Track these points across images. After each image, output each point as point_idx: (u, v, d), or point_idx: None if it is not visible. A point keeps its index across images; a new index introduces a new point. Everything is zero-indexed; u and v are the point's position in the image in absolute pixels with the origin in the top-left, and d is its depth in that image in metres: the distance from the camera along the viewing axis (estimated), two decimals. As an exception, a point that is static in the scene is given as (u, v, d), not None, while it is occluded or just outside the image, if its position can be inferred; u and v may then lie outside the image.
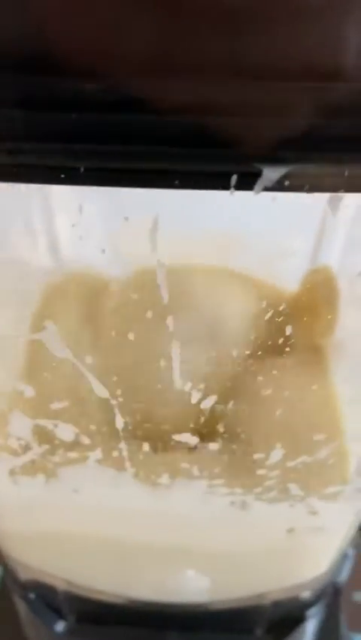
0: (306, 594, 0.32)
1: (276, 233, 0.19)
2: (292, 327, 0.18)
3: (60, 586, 0.32)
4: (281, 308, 0.18)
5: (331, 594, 0.37)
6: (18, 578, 0.32)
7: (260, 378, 0.18)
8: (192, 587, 0.31)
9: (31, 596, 0.33)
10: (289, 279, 0.22)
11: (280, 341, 0.18)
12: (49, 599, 0.34)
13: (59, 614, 0.35)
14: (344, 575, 0.39)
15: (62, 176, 0.13)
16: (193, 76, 0.11)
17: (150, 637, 0.35)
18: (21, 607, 0.35)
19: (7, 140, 0.12)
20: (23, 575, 0.32)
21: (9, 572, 0.33)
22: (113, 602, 0.33)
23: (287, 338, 0.18)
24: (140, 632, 0.35)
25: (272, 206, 0.16)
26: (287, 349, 0.18)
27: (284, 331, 0.18)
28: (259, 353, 0.19)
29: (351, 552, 0.38)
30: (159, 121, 0.12)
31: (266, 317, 0.18)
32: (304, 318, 0.20)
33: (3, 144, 0.12)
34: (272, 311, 0.19)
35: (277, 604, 0.32)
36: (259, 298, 0.20)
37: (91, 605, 0.33)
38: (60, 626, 0.35)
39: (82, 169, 0.13)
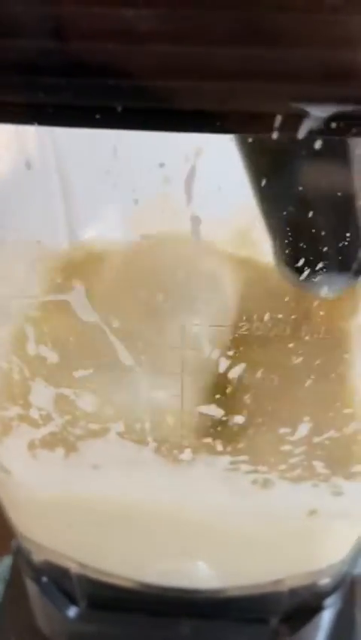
0: (324, 582, 0.31)
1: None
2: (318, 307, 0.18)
3: (73, 568, 0.31)
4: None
5: (348, 585, 0.37)
6: (31, 561, 0.32)
7: (290, 346, 0.18)
8: (208, 570, 0.30)
9: (44, 579, 0.33)
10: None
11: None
12: (61, 583, 0.33)
13: (71, 599, 0.34)
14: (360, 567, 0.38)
15: (97, 116, 0.12)
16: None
17: (162, 625, 0.35)
18: (33, 591, 0.34)
19: (46, 75, 0.12)
20: (37, 557, 0.31)
21: (23, 555, 0.33)
22: (126, 587, 0.32)
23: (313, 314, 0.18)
24: (151, 619, 0.34)
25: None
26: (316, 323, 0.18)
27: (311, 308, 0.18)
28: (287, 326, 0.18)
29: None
30: (202, 56, 0.11)
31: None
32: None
33: (41, 79, 0.12)
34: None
35: (294, 592, 0.31)
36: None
37: (103, 589, 0.33)
38: (72, 611, 0.34)
39: (119, 109, 0.12)
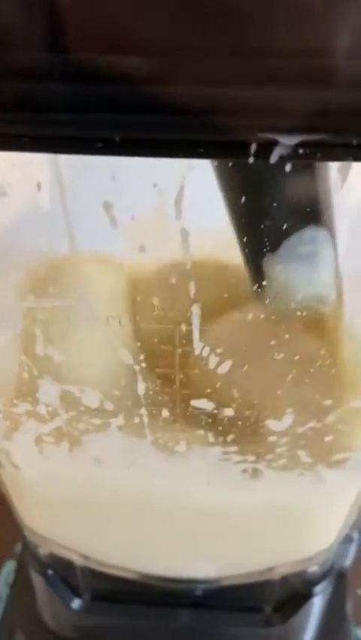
0: (313, 569, 0.33)
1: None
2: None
3: (77, 561, 0.33)
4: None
5: (337, 578, 0.38)
6: (37, 554, 0.34)
7: (273, 342, 0.20)
8: (206, 560, 0.32)
9: (50, 572, 0.35)
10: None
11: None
12: (66, 576, 0.35)
13: (75, 592, 0.36)
14: (349, 560, 0.40)
15: (99, 145, 0.15)
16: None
17: (162, 615, 0.36)
18: (39, 585, 0.36)
19: (50, 112, 0.14)
20: (43, 551, 0.33)
21: (28, 548, 0.34)
22: (127, 578, 0.34)
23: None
24: (151, 610, 0.36)
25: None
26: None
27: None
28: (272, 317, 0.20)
29: (357, 536, 0.39)
30: (184, 93, 0.14)
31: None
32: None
33: (46, 115, 0.14)
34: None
35: (285, 580, 0.33)
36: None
37: (106, 581, 0.34)
38: (76, 604, 0.36)
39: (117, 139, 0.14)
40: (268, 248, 0.19)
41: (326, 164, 0.18)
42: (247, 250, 0.20)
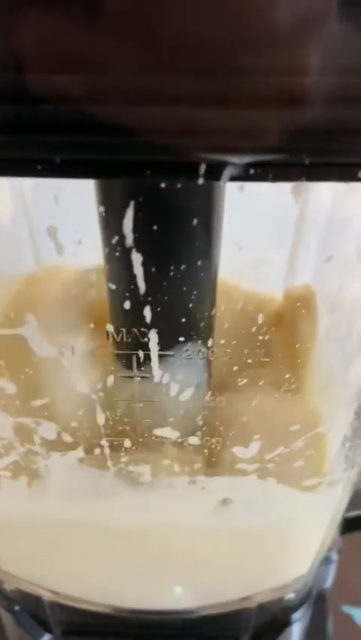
0: (290, 596, 0.32)
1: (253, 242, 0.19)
2: (275, 334, 0.19)
3: (46, 596, 0.32)
4: (265, 315, 0.19)
5: (316, 600, 0.38)
6: (4, 590, 0.32)
7: (235, 369, 0.19)
8: (179, 591, 0.31)
9: (17, 608, 0.33)
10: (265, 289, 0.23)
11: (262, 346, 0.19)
12: (35, 611, 0.34)
13: (46, 627, 0.35)
14: (329, 582, 0.39)
15: (39, 167, 0.14)
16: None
17: (137, 648, 0.35)
18: (7, 621, 0.35)
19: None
20: (9, 586, 0.32)
21: (-6, 583, 0.33)
22: (98, 612, 0.33)
23: (268, 342, 0.19)
24: (126, 643, 0.35)
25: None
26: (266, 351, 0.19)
27: (266, 337, 0.19)
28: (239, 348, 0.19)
29: (335, 557, 0.38)
30: (133, 114, 0.13)
31: (251, 321, 0.19)
32: (286, 328, 0.21)
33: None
34: (259, 316, 0.19)
35: (262, 607, 0.32)
36: (245, 304, 0.20)
37: (76, 615, 0.33)
38: (46, 639, 0.35)
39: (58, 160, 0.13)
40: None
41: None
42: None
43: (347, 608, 0.51)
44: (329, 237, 0.19)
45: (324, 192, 0.18)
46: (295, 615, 0.33)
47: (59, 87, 0.13)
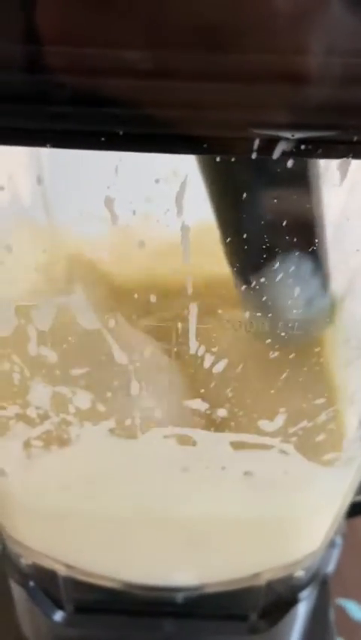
0: (300, 574, 0.33)
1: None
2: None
3: (60, 570, 0.32)
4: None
5: (321, 583, 0.39)
6: (20, 564, 0.33)
7: (268, 342, 0.20)
8: (190, 566, 0.32)
9: (31, 583, 0.34)
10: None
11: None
12: (48, 588, 0.34)
13: (58, 604, 0.35)
14: (331, 566, 0.40)
15: (103, 139, 0.15)
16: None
17: (146, 626, 0.36)
18: (19, 596, 0.35)
19: (52, 105, 0.14)
20: (25, 560, 0.32)
21: (10, 559, 0.34)
22: (110, 587, 0.33)
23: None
24: (134, 620, 0.36)
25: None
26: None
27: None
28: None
29: (339, 541, 0.39)
30: (193, 92, 0.14)
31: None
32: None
33: (48, 109, 0.14)
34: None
35: (271, 585, 0.33)
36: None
37: (89, 592, 0.34)
38: (58, 616, 0.35)
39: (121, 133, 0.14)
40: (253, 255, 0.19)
41: (318, 171, 0.18)
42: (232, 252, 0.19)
43: (340, 601, 0.52)
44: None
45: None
46: (303, 594, 0.34)
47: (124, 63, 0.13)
